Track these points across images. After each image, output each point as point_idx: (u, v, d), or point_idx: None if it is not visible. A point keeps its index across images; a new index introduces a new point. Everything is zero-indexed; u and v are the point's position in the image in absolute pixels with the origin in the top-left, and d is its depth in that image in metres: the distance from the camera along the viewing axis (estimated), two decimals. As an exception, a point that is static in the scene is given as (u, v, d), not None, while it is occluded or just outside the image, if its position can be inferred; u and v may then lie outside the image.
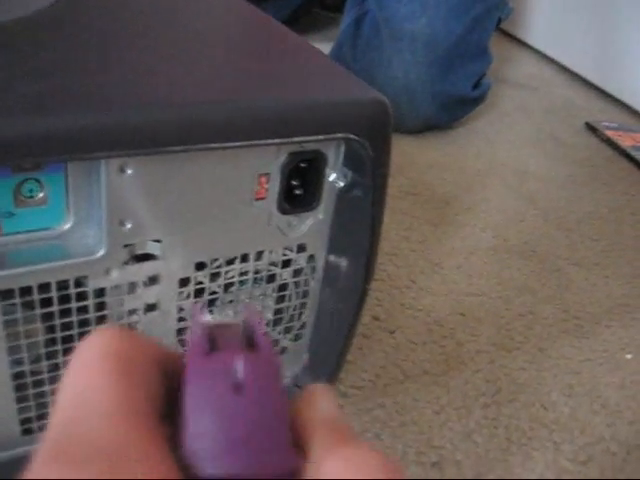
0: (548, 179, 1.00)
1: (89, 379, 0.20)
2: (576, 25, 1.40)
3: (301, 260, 0.48)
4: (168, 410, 0.21)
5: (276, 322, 0.51)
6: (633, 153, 1.11)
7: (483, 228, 0.85)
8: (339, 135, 0.41)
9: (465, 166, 1.00)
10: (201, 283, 0.45)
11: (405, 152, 1.01)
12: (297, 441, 0.21)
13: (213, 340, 0.22)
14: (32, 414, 0.45)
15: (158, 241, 0.42)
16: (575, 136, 1.16)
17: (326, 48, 1.14)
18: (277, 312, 0.50)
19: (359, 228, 0.47)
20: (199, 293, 0.46)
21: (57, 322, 0.42)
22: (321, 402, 0.22)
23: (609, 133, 1.17)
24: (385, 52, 1.02)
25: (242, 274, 0.47)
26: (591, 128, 1.19)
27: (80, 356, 0.21)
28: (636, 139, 1.16)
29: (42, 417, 0.45)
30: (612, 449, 0.59)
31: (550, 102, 1.29)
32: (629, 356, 0.69)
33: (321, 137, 0.41)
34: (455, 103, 1.06)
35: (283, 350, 0.53)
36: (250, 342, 0.22)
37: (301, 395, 0.22)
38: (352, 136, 0.41)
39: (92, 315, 0.43)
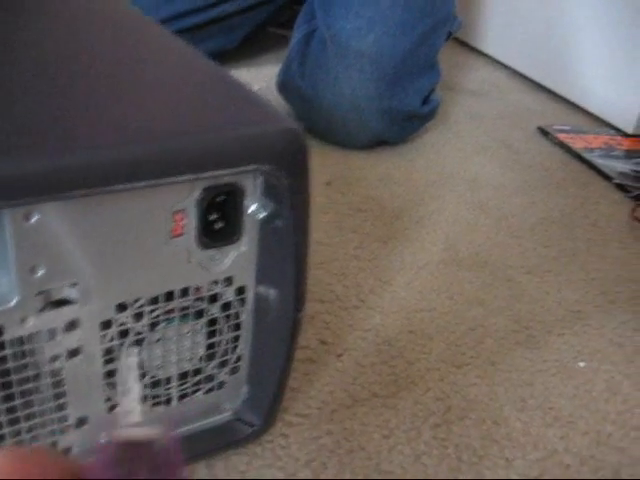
0: (500, 186, 1.00)
1: None
2: (526, 29, 1.41)
3: (229, 293, 0.47)
4: None
5: (209, 357, 0.50)
6: (585, 155, 1.11)
7: (434, 241, 0.85)
8: (252, 167, 0.40)
9: (415, 178, 1.00)
10: (124, 324, 0.44)
11: (354, 167, 1.00)
12: None
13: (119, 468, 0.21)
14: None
15: (74, 285, 0.41)
16: (527, 141, 1.16)
17: (278, 68, 1.13)
18: (209, 347, 0.49)
19: (285, 258, 0.46)
20: (123, 334, 0.45)
21: (-27, 375, 0.40)
22: None
23: (561, 136, 1.17)
24: (332, 70, 1.01)
25: (168, 312, 0.45)
26: (543, 132, 1.20)
27: None
28: (588, 141, 1.17)
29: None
30: (565, 462, 0.58)
31: (501, 108, 1.29)
32: (582, 364, 0.69)
33: (233, 170, 0.40)
34: (404, 119, 1.06)
35: (221, 385, 0.52)
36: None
37: None
38: (266, 167, 0.41)
39: (12, 365, 0.42)
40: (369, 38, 0.99)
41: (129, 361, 0.23)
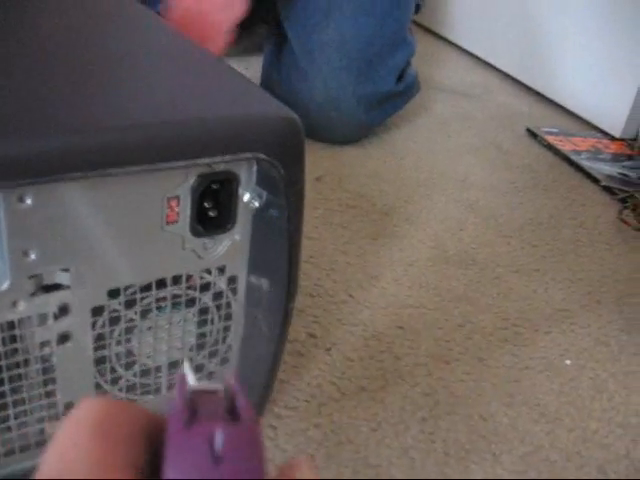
0: (489, 187, 1.00)
1: (74, 442, 0.21)
2: (515, 32, 1.42)
3: (221, 282, 0.47)
4: (152, 474, 0.22)
5: (200, 346, 0.50)
6: (573, 157, 1.12)
7: (422, 239, 0.85)
8: (248, 155, 0.40)
9: (405, 176, 1.00)
10: (116, 311, 0.44)
11: (344, 164, 1.00)
12: None
13: (194, 408, 0.22)
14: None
15: (66, 270, 0.41)
16: (516, 143, 1.17)
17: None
18: (200, 336, 0.49)
19: (278, 248, 0.46)
20: (115, 322, 0.44)
21: (-37, 358, 0.40)
22: (301, 476, 0.23)
23: (550, 138, 1.18)
24: (302, 68, 1.01)
25: (159, 300, 0.45)
26: (532, 134, 1.20)
27: (67, 422, 0.22)
28: (576, 143, 1.18)
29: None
30: (551, 457, 0.59)
31: (491, 109, 1.30)
32: (568, 362, 0.69)
33: (229, 158, 0.40)
34: (382, 100, 1.05)
35: (210, 375, 0.52)
36: (232, 411, 0.22)
37: (281, 467, 0.23)
38: (262, 155, 0.40)
39: (1, 349, 0.41)
40: (329, 28, 0.99)
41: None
